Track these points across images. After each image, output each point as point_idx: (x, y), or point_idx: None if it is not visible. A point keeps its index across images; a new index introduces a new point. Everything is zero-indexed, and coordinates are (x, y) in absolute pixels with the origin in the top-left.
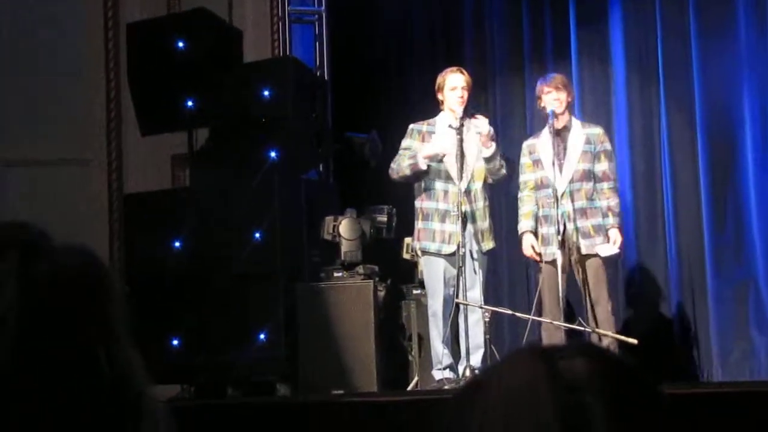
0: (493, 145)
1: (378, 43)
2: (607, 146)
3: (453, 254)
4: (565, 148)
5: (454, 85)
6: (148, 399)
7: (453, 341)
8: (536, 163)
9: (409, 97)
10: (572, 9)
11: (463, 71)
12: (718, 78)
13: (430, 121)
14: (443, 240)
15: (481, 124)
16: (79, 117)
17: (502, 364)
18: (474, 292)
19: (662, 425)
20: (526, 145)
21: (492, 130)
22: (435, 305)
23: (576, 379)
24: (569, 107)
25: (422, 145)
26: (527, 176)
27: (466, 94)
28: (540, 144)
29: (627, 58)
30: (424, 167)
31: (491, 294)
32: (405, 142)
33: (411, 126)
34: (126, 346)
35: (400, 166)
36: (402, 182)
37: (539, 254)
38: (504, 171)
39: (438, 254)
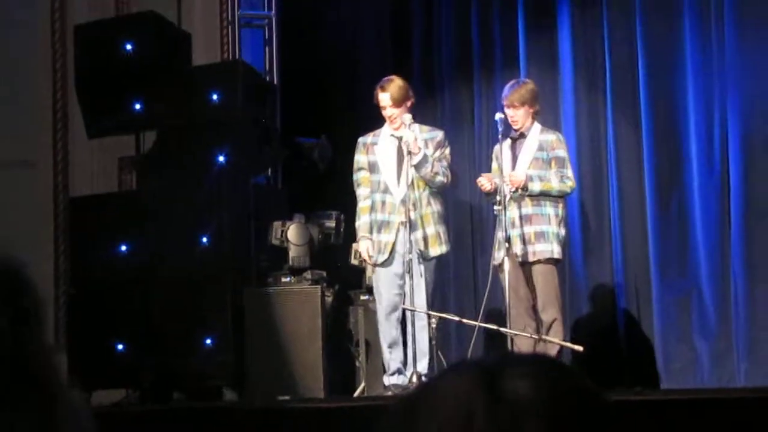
0: (422, 152)
1: (327, 48)
2: (560, 153)
3: (386, 262)
4: (516, 155)
5: (379, 104)
6: (63, 388)
7: (403, 347)
8: (500, 167)
9: (358, 102)
10: (521, 16)
11: (385, 87)
12: (664, 85)
13: (377, 132)
14: (379, 250)
15: (405, 134)
16: (24, 118)
17: (438, 383)
18: (419, 298)
19: None
20: (494, 150)
21: (415, 139)
22: (379, 311)
23: (519, 403)
24: (532, 116)
25: (366, 158)
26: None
27: (392, 111)
28: (502, 150)
29: (575, 65)
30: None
31: (439, 300)
32: (355, 157)
33: (358, 139)
34: (39, 337)
35: (359, 180)
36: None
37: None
38: (440, 178)
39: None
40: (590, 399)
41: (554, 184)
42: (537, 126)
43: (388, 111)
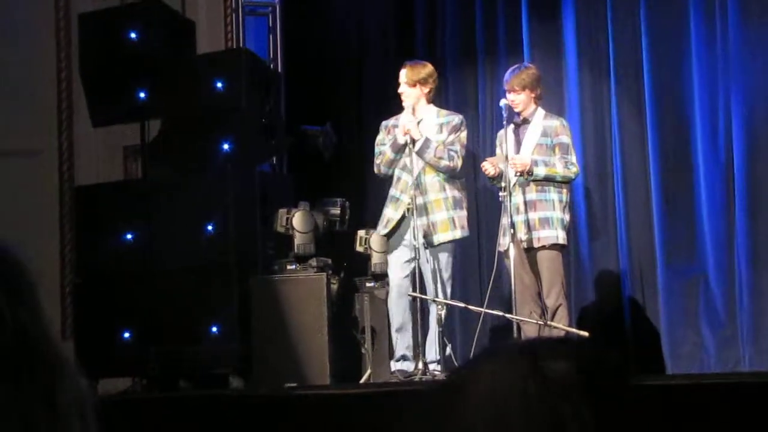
0: (423, 138)
1: (331, 36)
2: (563, 139)
3: (386, 237)
4: (520, 140)
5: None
6: (63, 361)
7: (413, 333)
8: (503, 153)
9: (363, 89)
10: (524, 1)
11: (408, 65)
12: (669, 72)
13: (398, 115)
14: (384, 224)
15: (403, 118)
16: (30, 108)
17: (479, 367)
18: (428, 284)
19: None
20: (498, 135)
21: (418, 123)
22: (390, 294)
23: (563, 383)
24: (534, 101)
25: (387, 138)
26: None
27: (404, 88)
28: (506, 136)
29: (579, 52)
30: (401, 141)
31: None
32: (377, 138)
33: (382, 122)
34: (35, 314)
35: (381, 151)
36: (387, 173)
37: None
38: (445, 162)
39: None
40: (625, 375)
41: (559, 170)
42: (540, 111)
43: (401, 87)
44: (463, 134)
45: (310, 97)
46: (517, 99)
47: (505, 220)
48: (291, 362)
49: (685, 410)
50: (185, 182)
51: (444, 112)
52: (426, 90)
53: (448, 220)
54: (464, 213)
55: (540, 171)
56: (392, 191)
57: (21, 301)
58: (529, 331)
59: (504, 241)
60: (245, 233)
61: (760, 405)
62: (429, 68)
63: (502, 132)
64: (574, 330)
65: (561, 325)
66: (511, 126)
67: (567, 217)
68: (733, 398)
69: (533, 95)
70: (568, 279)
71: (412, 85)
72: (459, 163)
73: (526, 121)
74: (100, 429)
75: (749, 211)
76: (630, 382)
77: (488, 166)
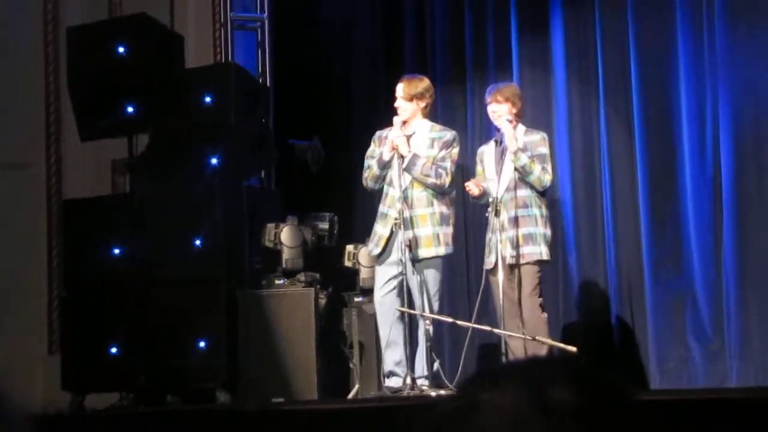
0: (410, 155)
1: (320, 50)
2: (541, 150)
3: (381, 259)
4: (503, 157)
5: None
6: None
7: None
8: (485, 171)
9: (351, 104)
10: (513, 18)
11: (405, 79)
12: (657, 87)
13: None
14: (376, 242)
15: (392, 133)
16: (17, 121)
17: (482, 396)
18: (415, 299)
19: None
20: (478, 152)
21: (408, 138)
22: (376, 310)
23: (568, 412)
24: (516, 117)
25: (379, 150)
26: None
27: (399, 102)
28: (486, 152)
29: (567, 67)
30: (386, 157)
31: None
32: (368, 150)
33: (376, 132)
34: None
35: (369, 165)
36: (375, 188)
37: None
38: (432, 180)
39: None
40: (626, 397)
41: (536, 169)
42: (521, 127)
43: (397, 102)
44: (455, 151)
45: (298, 112)
46: (499, 110)
47: (490, 237)
48: (278, 377)
49: (672, 426)
50: (173, 196)
51: (438, 127)
52: (422, 105)
53: (433, 236)
54: (450, 230)
55: (524, 159)
56: (381, 207)
57: None
58: (516, 347)
59: (490, 260)
60: (233, 247)
61: (748, 420)
62: (426, 83)
63: (480, 149)
64: (561, 345)
65: (549, 341)
66: (491, 144)
67: (549, 232)
68: (721, 413)
69: (515, 110)
70: (556, 294)
71: (409, 100)
72: (447, 180)
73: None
74: None
75: (736, 227)
76: (631, 401)
77: (472, 186)
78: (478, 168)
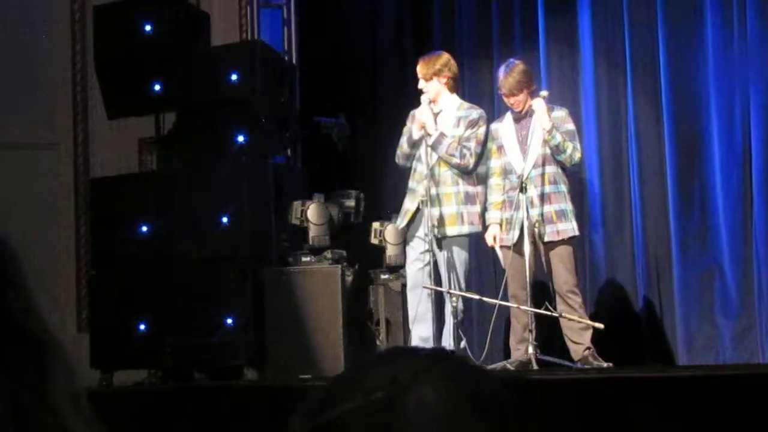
0: (436, 133)
1: (346, 27)
2: (569, 127)
3: (410, 236)
4: (527, 133)
5: None
6: (54, 343)
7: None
8: (500, 148)
9: (378, 81)
10: None
11: (421, 60)
12: (684, 64)
13: None
14: (403, 215)
15: (419, 111)
16: (45, 101)
17: (347, 403)
18: (443, 276)
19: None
20: (491, 129)
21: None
22: (406, 286)
23: (422, 413)
24: (531, 94)
25: (413, 127)
26: (493, 162)
27: (422, 84)
28: (502, 129)
29: (594, 45)
30: (416, 136)
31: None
32: (405, 128)
33: (411, 111)
34: (28, 300)
35: (400, 143)
36: (405, 165)
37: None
38: (456, 160)
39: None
40: (492, 400)
41: (569, 146)
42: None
43: (419, 84)
44: (481, 130)
45: (324, 89)
46: (518, 101)
47: (516, 214)
48: (305, 354)
49: (700, 402)
50: (200, 174)
51: (465, 105)
52: (443, 80)
53: (457, 215)
54: (476, 208)
55: (558, 137)
56: (410, 183)
57: (7, 282)
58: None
59: (511, 236)
60: (260, 225)
61: None
62: (443, 57)
63: (494, 125)
64: (588, 322)
65: (576, 318)
66: (509, 119)
67: (574, 208)
68: (750, 390)
69: (529, 91)
70: (583, 271)
71: (429, 79)
72: (471, 161)
73: (528, 114)
74: (95, 416)
75: (766, 202)
76: (497, 404)
77: (490, 240)
78: (490, 146)
